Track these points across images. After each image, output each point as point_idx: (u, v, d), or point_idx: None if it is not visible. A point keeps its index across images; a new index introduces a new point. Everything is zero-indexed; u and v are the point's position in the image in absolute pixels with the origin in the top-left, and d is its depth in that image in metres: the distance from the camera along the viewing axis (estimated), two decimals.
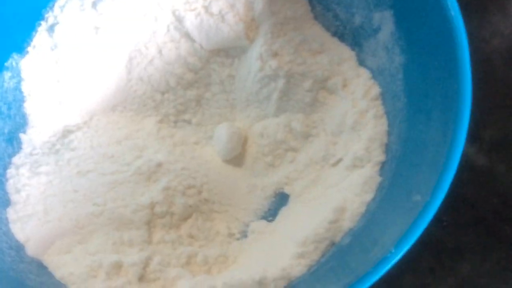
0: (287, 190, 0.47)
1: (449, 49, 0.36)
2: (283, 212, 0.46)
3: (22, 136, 0.45)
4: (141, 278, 0.39)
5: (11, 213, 0.41)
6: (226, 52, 0.49)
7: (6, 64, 0.45)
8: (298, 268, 0.39)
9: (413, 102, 0.40)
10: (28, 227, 0.40)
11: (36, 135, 0.45)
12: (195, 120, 0.50)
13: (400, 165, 0.39)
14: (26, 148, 0.45)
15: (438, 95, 0.37)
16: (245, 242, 0.44)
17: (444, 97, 0.36)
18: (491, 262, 0.48)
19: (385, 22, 0.43)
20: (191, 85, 0.49)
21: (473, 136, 0.52)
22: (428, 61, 0.39)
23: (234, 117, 0.50)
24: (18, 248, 0.39)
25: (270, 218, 0.46)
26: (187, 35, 0.48)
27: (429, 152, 0.36)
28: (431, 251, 0.48)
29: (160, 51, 0.48)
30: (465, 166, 0.50)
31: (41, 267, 0.38)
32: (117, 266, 0.38)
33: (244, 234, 0.45)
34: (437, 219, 0.48)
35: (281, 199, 0.47)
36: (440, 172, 0.32)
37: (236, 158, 0.48)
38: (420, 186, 0.34)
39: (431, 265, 0.48)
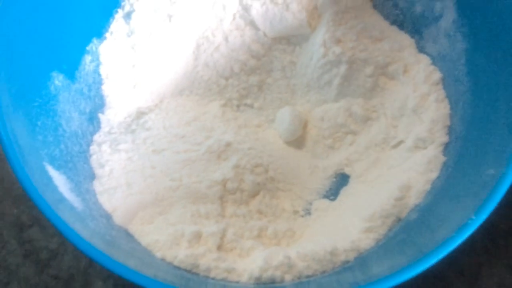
0: (347, 171, 0.49)
1: None
2: (344, 191, 0.48)
3: (101, 116, 0.48)
4: (219, 247, 0.41)
5: (97, 186, 0.43)
6: (288, 40, 0.51)
7: (87, 48, 0.48)
8: (366, 241, 0.41)
9: (477, 86, 0.42)
10: (113, 198, 0.43)
11: (113, 115, 0.48)
12: (257, 104, 0.52)
13: (466, 145, 0.41)
14: (104, 127, 0.47)
15: (504, 77, 0.38)
16: (309, 219, 0.46)
17: (510, 79, 0.38)
18: None
19: (447, 10, 0.45)
20: (253, 71, 0.52)
21: None
22: (493, 46, 0.40)
23: (294, 101, 0.52)
24: (107, 217, 0.41)
25: (331, 197, 0.48)
26: (252, 23, 0.51)
27: (497, 131, 0.37)
28: (485, 232, 0.49)
29: (226, 38, 0.51)
30: None
31: (129, 235, 0.41)
32: (198, 236, 0.41)
33: (308, 212, 0.47)
34: None
35: (341, 179, 0.49)
36: None
37: (297, 140, 0.51)
38: (492, 161, 0.36)
39: (486, 245, 0.49)
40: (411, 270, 0.32)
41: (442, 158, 0.43)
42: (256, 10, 0.50)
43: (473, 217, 0.32)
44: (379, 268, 0.36)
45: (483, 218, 0.33)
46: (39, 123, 0.41)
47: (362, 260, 0.40)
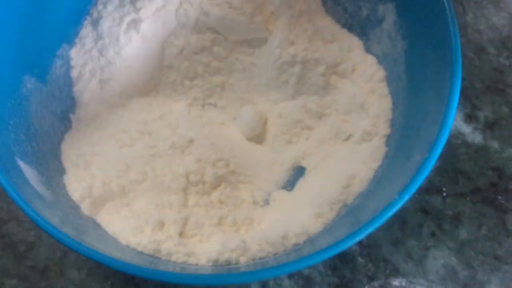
0: (303, 163, 0.52)
1: (441, 34, 0.42)
2: (300, 182, 0.51)
3: (72, 116, 0.51)
4: (181, 234, 0.44)
5: (67, 179, 0.46)
6: (249, 43, 0.55)
7: (57, 53, 0.51)
8: (316, 226, 0.44)
9: (412, 82, 0.46)
10: (82, 190, 0.45)
11: (83, 115, 0.51)
12: (220, 103, 0.56)
13: (402, 136, 0.45)
14: (75, 126, 0.51)
15: (433, 75, 0.43)
16: (267, 208, 0.50)
17: (438, 76, 0.42)
18: (487, 227, 0.52)
19: (388, 13, 0.49)
20: (216, 72, 0.55)
21: (469, 117, 0.57)
22: (425, 46, 0.45)
23: (255, 100, 0.56)
24: (76, 207, 0.44)
25: (289, 188, 0.51)
26: (213, 28, 0.54)
27: (426, 123, 0.41)
28: (432, 218, 0.53)
29: (189, 42, 0.54)
30: (462, 143, 0.57)
31: (96, 224, 0.44)
32: (160, 224, 0.44)
33: (266, 202, 0.50)
34: (438, 190, 0.54)
35: (298, 171, 0.52)
36: (435, 136, 0.38)
37: (258, 136, 0.54)
38: (419, 149, 0.40)
39: (433, 230, 0.52)
40: (349, 240, 0.36)
41: (384, 149, 0.47)
42: (216, 15, 0.53)
43: (396, 197, 0.36)
44: (324, 243, 0.39)
45: (406, 197, 0.36)
46: (11, 122, 0.44)
47: (311, 241, 0.43)
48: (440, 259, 0.51)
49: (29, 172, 0.42)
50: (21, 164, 0.42)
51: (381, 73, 0.50)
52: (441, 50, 0.42)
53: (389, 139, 0.47)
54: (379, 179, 0.44)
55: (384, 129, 0.48)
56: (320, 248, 0.37)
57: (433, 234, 0.52)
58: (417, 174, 0.36)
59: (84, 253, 0.35)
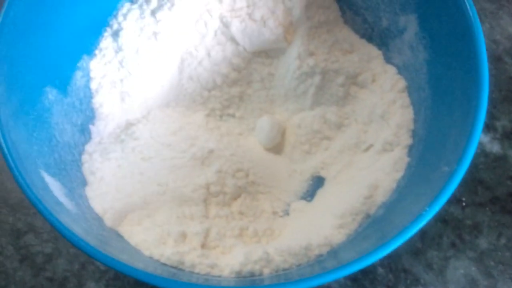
0: (323, 174, 0.52)
1: (468, 46, 0.42)
2: (320, 192, 0.51)
3: (92, 127, 0.51)
4: (203, 246, 0.44)
5: (89, 191, 0.46)
6: (267, 53, 0.55)
7: (78, 64, 0.51)
8: (338, 237, 0.44)
9: (436, 93, 0.46)
10: (104, 202, 0.46)
11: (103, 127, 0.51)
12: (238, 114, 0.56)
13: (426, 146, 0.45)
14: (95, 137, 0.51)
15: (459, 85, 0.42)
16: (287, 219, 0.50)
17: (464, 86, 0.42)
18: (506, 236, 0.52)
19: (410, 24, 0.49)
20: (235, 83, 0.55)
21: (487, 126, 0.57)
22: (449, 57, 0.44)
23: (273, 110, 0.56)
24: (99, 219, 0.44)
25: (308, 198, 0.51)
26: (232, 39, 0.54)
27: (452, 132, 0.41)
28: (452, 228, 0.53)
29: (208, 53, 0.54)
30: (481, 153, 0.57)
31: (119, 236, 0.44)
32: (183, 235, 0.44)
33: (286, 212, 0.50)
34: (457, 200, 0.54)
35: (317, 182, 0.52)
36: (463, 147, 0.38)
37: (276, 147, 0.54)
38: (446, 160, 0.39)
39: (453, 240, 0.52)
40: (374, 255, 0.36)
41: (406, 159, 0.46)
42: (236, 26, 0.54)
43: (427, 209, 0.36)
44: (347, 256, 0.39)
45: (436, 209, 0.36)
46: (35, 134, 0.44)
47: (334, 253, 0.43)
48: (460, 269, 0.51)
49: (53, 184, 0.42)
50: (45, 176, 0.42)
51: (401, 83, 0.50)
52: (466, 60, 0.42)
53: (411, 149, 0.47)
54: (403, 190, 0.44)
55: (406, 140, 0.47)
56: (345, 261, 0.37)
57: (453, 244, 0.52)
58: (447, 185, 0.36)
59: (110, 264, 0.35)
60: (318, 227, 0.46)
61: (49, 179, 0.42)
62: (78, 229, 0.38)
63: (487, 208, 0.54)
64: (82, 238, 0.36)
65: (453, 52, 0.44)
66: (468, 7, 0.43)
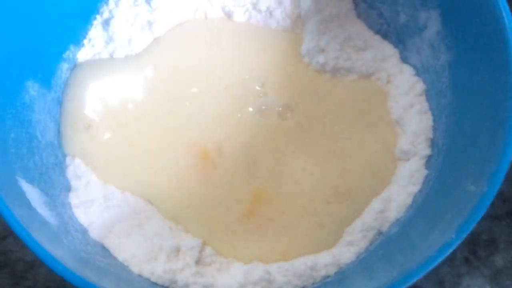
0: None
1: (498, 46, 0.38)
2: None
3: None
4: (198, 262, 0.41)
5: (73, 198, 0.42)
6: None
7: (63, 55, 0.47)
8: (347, 255, 0.41)
9: (459, 100, 0.42)
10: (90, 211, 0.42)
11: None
12: None
13: (447, 159, 0.41)
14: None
15: (488, 91, 0.38)
16: None
17: (494, 92, 0.37)
18: None
19: (431, 21, 0.45)
20: None
21: None
22: (476, 60, 0.40)
23: None
24: (83, 231, 0.41)
25: None
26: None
27: (480, 145, 0.37)
28: (466, 243, 0.49)
29: None
30: None
31: (105, 250, 0.40)
32: (176, 250, 0.40)
33: None
34: None
35: None
36: (496, 164, 0.34)
37: None
38: (473, 178, 0.35)
39: (466, 256, 0.49)
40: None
41: (424, 172, 0.42)
42: (239, 17, 0.49)
43: (453, 236, 0.32)
44: (359, 285, 0.35)
45: (463, 237, 0.33)
46: (12, 135, 0.39)
47: (342, 274, 0.39)
48: (474, 287, 0.48)
49: (30, 193, 0.38)
50: (23, 184, 0.37)
51: (420, 86, 0.46)
52: (496, 65, 0.37)
53: (430, 161, 0.43)
54: (420, 207, 0.40)
55: (424, 149, 0.43)
56: None
57: (466, 260, 0.49)
58: (475, 210, 0.32)
59: None
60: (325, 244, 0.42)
61: (26, 187, 0.38)
62: (56, 246, 0.34)
63: (504, 222, 0.50)
64: (59, 257, 0.32)
65: (480, 54, 0.40)
66: (500, 4, 0.38)
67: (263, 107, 0.47)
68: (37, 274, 0.47)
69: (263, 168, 0.44)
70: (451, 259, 0.50)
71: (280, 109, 0.47)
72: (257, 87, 0.47)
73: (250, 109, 0.47)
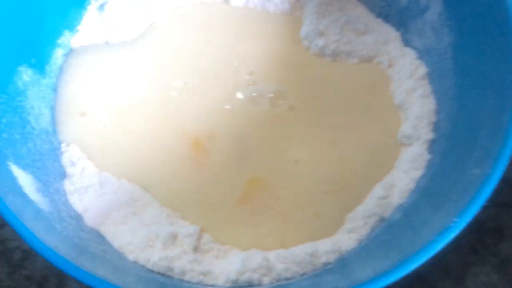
0: None
1: (501, 26, 0.37)
2: None
3: None
4: (196, 249, 0.40)
5: (68, 185, 0.42)
6: None
7: (58, 41, 0.47)
8: (348, 242, 0.40)
9: (463, 82, 0.41)
10: (85, 198, 0.41)
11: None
12: None
13: (451, 143, 0.40)
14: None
15: (492, 72, 0.37)
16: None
17: (499, 73, 0.36)
18: None
19: (433, 2, 0.44)
20: None
21: None
22: (479, 41, 0.39)
23: None
24: (77, 218, 0.40)
25: None
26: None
27: (484, 127, 0.36)
28: (473, 231, 0.49)
29: None
30: None
31: (100, 237, 0.40)
32: (173, 237, 0.40)
33: None
34: None
35: None
36: (500, 146, 0.33)
37: None
38: (477, 160, 0.34)
39: (473, 244, 0.48)
40: (393, 274, 0.31)
41: (427, 156, 0.41)
42: (236, 1, 0.49)
43: (457, 220, 0.31)
44: (360, 271, 0.34)
45: (467, 220, 0.32)
46: (4, 120, 0.39)
47: (343, 261, 0.38)
48: (481, 276, 0.47)
49: (23, 178, 0.37)
50: (14, 169, 0.37)
51: (422, 69, 0.45)
52: (500, 46, 0.36)
53: (433, 145, 0.42)
54: (423, 192, 0.39)
55: (426, 133, 0.42)
56: (357, 280, 0.32)
57: (473, 249, 0.48)
58: (479, 192, 0.31)
59: (85, 280, 0.30)
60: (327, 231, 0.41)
61: (18, 172, 0.37)
62: (49, 233, 0.33)
63: (511, 210, 0.49)
64: (52, 245, 0.31)
65: (484, 35, 0.39)
66: None
67: (254, 94, 0.46)
68: (34, 263, 0.46)
69: (256, 156, 0.44)
70: (457, 247, 0.48)
71: (272, 95, 0.45)
72: (246, 76, 0.46)
73: (241, 96, 0.46)
